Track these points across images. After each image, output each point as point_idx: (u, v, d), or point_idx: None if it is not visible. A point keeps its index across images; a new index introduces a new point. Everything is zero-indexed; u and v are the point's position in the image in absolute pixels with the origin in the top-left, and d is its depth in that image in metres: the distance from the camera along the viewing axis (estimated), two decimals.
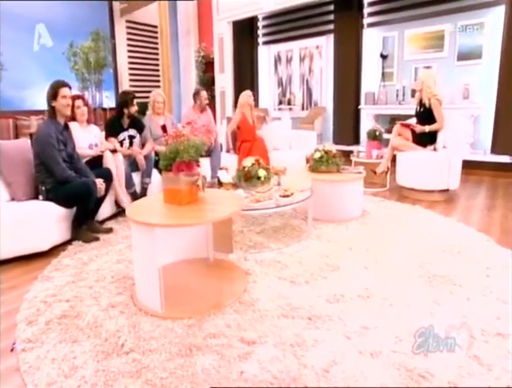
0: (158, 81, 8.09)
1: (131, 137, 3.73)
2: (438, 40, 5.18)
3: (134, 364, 1.46)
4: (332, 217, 3.07)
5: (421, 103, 3.80)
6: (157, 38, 7.86)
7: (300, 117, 6.84)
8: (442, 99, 3.69)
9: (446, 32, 5.05)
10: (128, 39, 8.15)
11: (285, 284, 2.04)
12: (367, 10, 5.89)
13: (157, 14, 6.98)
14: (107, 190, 3.00)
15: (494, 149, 4.83)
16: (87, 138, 3.33)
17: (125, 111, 3.66)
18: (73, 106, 2.97)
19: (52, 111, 2.67)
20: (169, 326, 1.69)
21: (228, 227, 2.47)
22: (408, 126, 3.85)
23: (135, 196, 3.45)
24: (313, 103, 7.03)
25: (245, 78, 7.39)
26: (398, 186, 3.96)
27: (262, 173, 2.79)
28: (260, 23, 7.40)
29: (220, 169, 3.28)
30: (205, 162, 4.18)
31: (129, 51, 8.17)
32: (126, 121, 3.72)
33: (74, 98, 3.08)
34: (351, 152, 4.63)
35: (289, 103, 7.29)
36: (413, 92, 4.00)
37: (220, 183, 2.85)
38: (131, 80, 8.26)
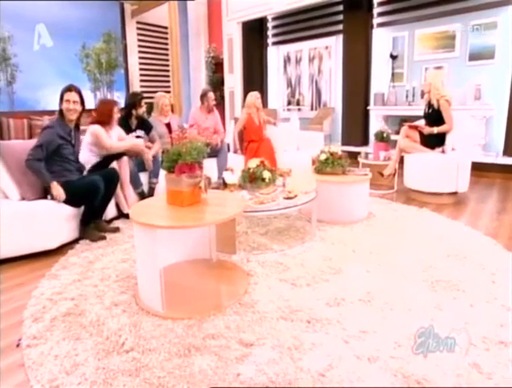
0: (168, 81, 8.18)
1: (138, 138, 3.78)
2: (449, 39, 5.10)
3: (133, 362, 1.49)
4: (337, 219, 3.06)
5: (429, 105, 3.75)
6: (167, 39, 7.94)
7: (308, 118, 6.82)
8: (451, 99, 3.63)
9: (458, 32, 4.96)
10: (139, 40, 8.25)
11: (286, 287, 2.04)
12: (376, 10, 5.83)
13: (167, 15, 7.06)
14: (114, 189, 3.04)
15: (506, 152, 4.73)
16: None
17: (133, 112, 3.72)
18: (112, 111, 3.22)
19: (61, 113, 2.76)
20: (170, 326, 1.71)
21: (231, 228, 2.50)
22: (416, 128, 3.80)
23: (142, 196, 3.50)
24: (322, 103, 7.00)
25: (255, 78, 7.41)
26: (406, 188, 3.91)
27: (266, 174, 2.79)
28: (269, 24, 7.40)
29: (226, 170, 3.30)
30: (212, 163, 4.22)
31: (140, 52, 8.27)
32: (134, 122, 3.78)
33: (114, 105, 3.33)
34: (360, 153, 4.59)
35: (298, 104, 7.27)
36: (423, 93, 3.94)
37: (225, 184, 2.87)
38: (141, 80, 8.36)
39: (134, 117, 3.74)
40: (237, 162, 4.24)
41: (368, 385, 1.33)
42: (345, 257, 2.41)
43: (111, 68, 7.65)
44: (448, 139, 3.66)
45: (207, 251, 2.38)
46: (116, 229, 3.02)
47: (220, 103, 7.63)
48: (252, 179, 2.79)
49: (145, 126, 3.85)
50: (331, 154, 3.19)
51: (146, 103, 3.86)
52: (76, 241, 2.81)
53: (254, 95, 4.56)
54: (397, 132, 4.83)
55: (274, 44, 7.49)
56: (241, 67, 7.08)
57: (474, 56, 4.94)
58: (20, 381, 1.45)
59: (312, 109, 7.11)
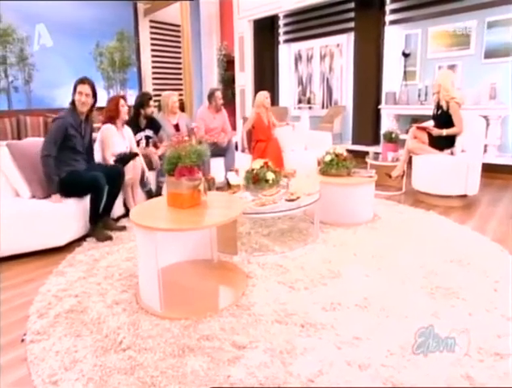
0: (180, 79, 8.24)
1: (147, 138, 3.85)
2: (463, 37, 4.95)
3: (129, 361, 1.53)
4: (341, 221, 3.04)
5: (438, 106, 3.67)
6: (179, 37, 7.99)
7: (319, 116, 6.77)
8: (461, 101, 3.54)
9: (473, 29, 4.82)
10: (152, 38, 8.34)
11: (284, 289, 2.06)
12: (389, 7, 5.71)
13: (179, 14, 7.11)
14: (119, 186, 3.09)
15: None
16: (121, 145, 3.40)
17: (142, 111, 3.78)
18: (118, 104, 3.28)
19: (73, 104, 2.84)
20: (167, 326, 1.75)
21: (232, 229, 2.52)
22: (424, 129, 3.73)
23: (150, 195, 3.57)
24: (333, 101, 6.93)
25: (266, 76, 7.39)
26: (414, 190, 3.85)
27: (270, 176, 2.80)
28: (281, 22, 7.36)
29: (230, 170, 3.32)
30: (219, 162, 4.25)
31: (152, 50, 8.37)
32: (143, 122, 3.85)
33: (120, 97, 3.39)
34: (368, 153, 4.53)
35: (309, 102, 7.23)
36: (433, 93, 3.85)
37: (230, 185, 2.90)
38: (154, 78, 8.47)
39: (143, 117, 3.81)
40: (244, 161, 4.26)
41: None
42: (345, 260, 2.40)
43: (124, 66, 7.79)
44: (458, 141, 3.57)
45: (208, 252, 2.41)
46: (123, 228, 3.08)
47: (232, 101, 7.67)
48: (255, 180, 2.79)
49: (154, 125, 3.92)
50: (336, 156, 3.17)
51: (156, 100, 3.90)
52: (83, 238, 2.89)
53: (263, 95, 4.56)
54: (408, 132, 4.75)
55: (286, 41, 7.44)
56: (252, 65, 7.08)
57: (490, 54, 4.79)
58: (22, 376, 1.51)
59: (323, 107, 7.05)
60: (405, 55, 5.51)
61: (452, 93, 3.52)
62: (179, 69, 8.32)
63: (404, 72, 5.59)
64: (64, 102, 7.02)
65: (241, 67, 7.23)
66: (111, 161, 3.24)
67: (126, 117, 3.43)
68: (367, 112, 6.04)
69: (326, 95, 7.02)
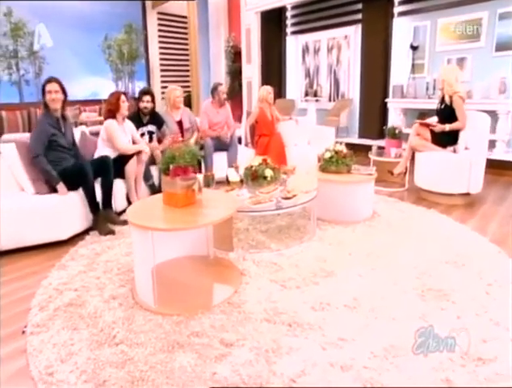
0: (188, 70, 8.25)
1: (150, 133, 3.90)
2: (474, 29, 4.81)
3: (121, 355, 1.60)
4: (339, 219, 3.05)
5: (442, 101, 3.60)
6: (187, 28, 7.98)
7: (326, 109, 6.71)
8: (464, 96, 3.46)
9: (484, 21, 4.67)
10: (160, 30, 8.35)
11: (275, 288, 2.09)
12: None
13: (186, 6, 7.09)
14: (110, 176, 3.09)
15: None
16: (123, 139, 3.42)
17: (140, 106, 3.83)
18: (118, 99, 3.33)
19: (45, 106, 2.95)
20: (159, 322, 1.81)
21: (228, 226, 2.56)
22: (427, 126, 3.67)
23: (153, 189, 3.63)
24: (340, 94, 6.85)
25: (273, 68, 7.33)
26: (417, 187, 3.81)
27: (268, 173, 2.82)
28: (288, 13, 7.26)
29: (231, 167, 3.34)
30: (222, 156, 4.28)
31: (160, 42, 8.38)
32: (145, 117, 3.88)
33: (121, 94, 3.44)
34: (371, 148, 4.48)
35: (316, 95, 7.16)
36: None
37: (229, 182, 2.92)
38: (162, 70, 8.49)
39: (142, 112, 3.84)
40: (247, 156, 4.27)
41: None
42: (340, 259, 2.42)
43: (133, 58, 7.82)
44: (461, 138, 3.51)
45: (204, 248, 2.45)
46: (125, 222, 3.15)
47: (239, 93, 7.65)
48: (254, 177, 2.82)
49: (157, 121, 3.95)
50: (336, 153, 3.16)
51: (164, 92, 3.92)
52: (86, 232, 2.97)
53: (266, 90, 4.54)
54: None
55: (293, 33, 7.35)
56: (259, 57, 7.03)
57: (501, 47, 4.65)
58: (21, 366, 1.60)
59: (329, 100, 6.98)
60: (414, 48, 5.39)
61: (456, 87, 3.45)
62: (187, 60, 8.32)
63: (413, 65, 5.47)
64: (72, 94, 7.12)
65: (247, 59, 7.19)
66: (129, 146, 3.38)
67: (126, 113, 3.47)
68: (374, 106, 5.97)
69: (333, 88, 6.94)
